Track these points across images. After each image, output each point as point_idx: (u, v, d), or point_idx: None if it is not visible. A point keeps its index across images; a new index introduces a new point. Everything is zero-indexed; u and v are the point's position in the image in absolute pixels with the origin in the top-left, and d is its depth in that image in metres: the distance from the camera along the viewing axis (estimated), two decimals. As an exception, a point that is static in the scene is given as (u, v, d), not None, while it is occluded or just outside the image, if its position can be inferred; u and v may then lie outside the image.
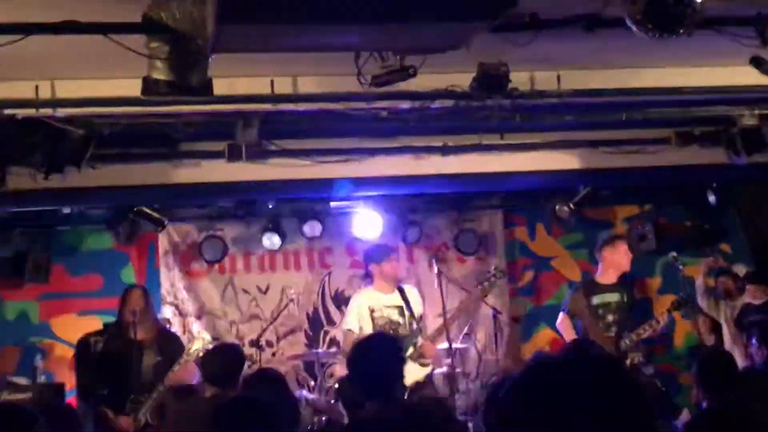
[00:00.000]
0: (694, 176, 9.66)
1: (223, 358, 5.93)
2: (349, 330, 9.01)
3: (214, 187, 8.78)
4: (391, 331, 8.89)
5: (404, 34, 5.45)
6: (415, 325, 8.92)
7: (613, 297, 9.27)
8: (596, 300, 9.28)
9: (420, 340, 8.84)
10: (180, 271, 10.56)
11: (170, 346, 8.23)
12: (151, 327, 8.26)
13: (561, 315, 9.52)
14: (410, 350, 8.92)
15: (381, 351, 4.92)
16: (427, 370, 8.92)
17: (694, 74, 7.52)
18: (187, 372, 7.84)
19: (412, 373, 8.53)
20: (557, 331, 9.93)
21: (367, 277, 9.32)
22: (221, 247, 10.46)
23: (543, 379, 2.07)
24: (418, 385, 8.59)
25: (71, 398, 9.07)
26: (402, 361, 5.19)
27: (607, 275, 9.37)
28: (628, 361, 8.68)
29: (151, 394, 7.76)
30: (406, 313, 8.97)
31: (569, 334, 9.37)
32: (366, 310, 9.03)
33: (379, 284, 9.05)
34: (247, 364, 9.70)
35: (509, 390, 2.09)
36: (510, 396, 2.08)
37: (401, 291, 9.01)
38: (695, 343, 10.74)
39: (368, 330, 8.92)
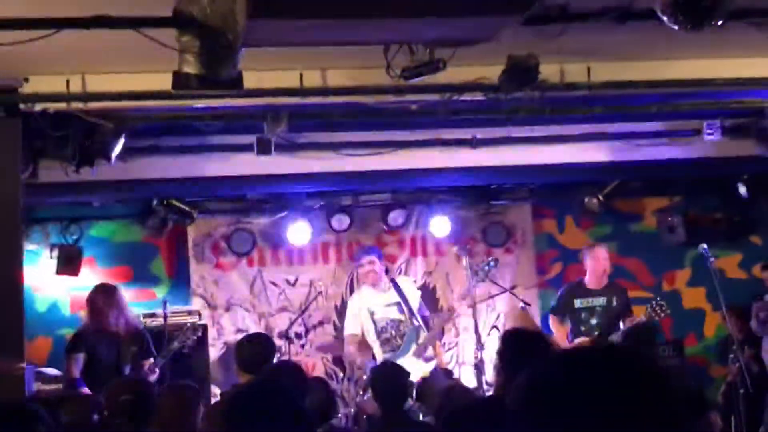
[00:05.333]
0: (725, 168, 9.59)
1: (255, 346, 5.96)
2: (352, 334, 9.07)
3: (243, 180, 8.82)
4: (393, 331, 8.95)
5: (434, 27, 5.45)
6: (415, 321, 8.95)
7: (598, 301, 9.44)
8: (579, 303, 9.50)
9: (422, 335, 8.87)
10: (209, 263, 10.60)
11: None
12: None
13: (550, 316, 9.84)
14: (413, 346, 8.96)
15: None
16: (431, 365, 8.96)
17: (724, 66, 7.48)
18: None
19: (416, 369, 8.49)
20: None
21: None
22: (250, 239, 10.49)
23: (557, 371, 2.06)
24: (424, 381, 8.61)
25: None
26: None
27: (592, 280, 9.56)
28: None
29: None
30: (405, 308, 9.01)
31: (559, 333, 9.58)
32: (366, 312, 9.09)
33: (372, 285, 9.21)
34: (276, 356, 9.80)
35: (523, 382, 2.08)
36: (524, 387, 2.07)
37: (396, 286, 9.05)
38: (726, 335, 10.66)
39: (371, 332, 8.98)
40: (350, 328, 9.25)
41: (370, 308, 9.13)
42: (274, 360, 5.87)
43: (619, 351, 2.15)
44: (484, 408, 3.56)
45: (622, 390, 2.00)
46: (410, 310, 9.02)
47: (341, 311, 10.68)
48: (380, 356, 9.14)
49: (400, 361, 8.35)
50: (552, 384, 2.04)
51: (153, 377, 8.14)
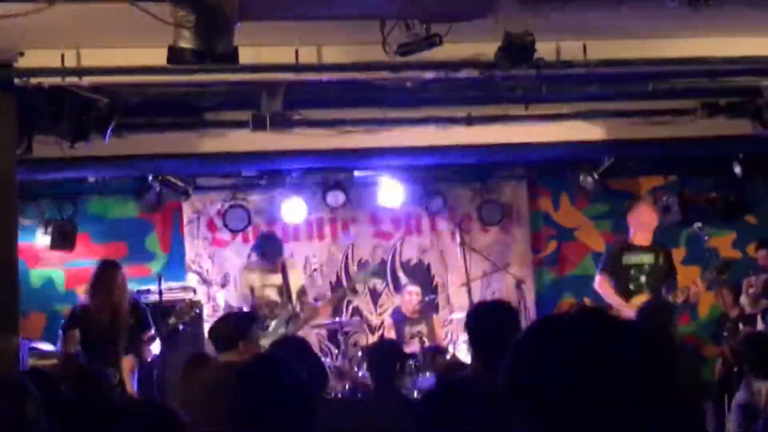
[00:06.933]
0: (720, 147, 9.59)
1: (229, 324, 5.94)
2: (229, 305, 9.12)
3: (238, 156, 8.80)
4: (267, 311, 8.99)
5: (431, 1, 5.43)
6: (290, 306, 8.96)
7: (647, 258, 8.94)
8: (629, 259, 8.97)
9: (291, 324, 8.87)
10: (204, 239, 10.61)
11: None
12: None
13: (597, 276, 9.19)
14: (281, 330, 8.93)
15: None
16: None
17: (721, 45, 7.46)
18: None
19: None
20: (580, 300, 9.93)
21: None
22: (245, 216, 10.49)
23: (545, 336, 2.06)
24: None
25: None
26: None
27: (638, 238, 9.04)
28: None
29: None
30: (285, 293, 9.05)
31: (609, 291, 8.96)
32: (247, 289, 9.10)
33: (264, 262, 9.27)
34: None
35: (514, 347, 2.08)
36: (514, 353, 2.07)
37: (283, 267, 9.05)
38: (720, 314, 10.69)
39: (245, 307, 9.06)
40: (232, 300, 9.30)
41: (252, 284, 9.18)
42: (254, 336, 5.83)
43: (608, 318, 2.14)
44: (468, 385, 3.57)
45: (617, 358, 1.99)
46: (289, 296, 9.05)
47: (336, 288, 10.71)
48: None
49: (263, 341, 8.05)
50: (541, 354, 2.04)
51: (152, 348, 8.13)
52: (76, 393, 5.59)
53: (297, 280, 9.37)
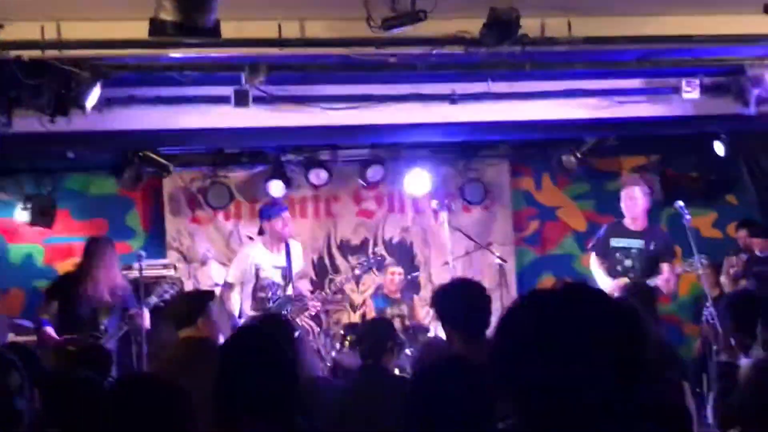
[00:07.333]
0: (703, 126, 9.59)
1: (187, 301, 5.94)
2: (230, 283, 8.91)
3: (220, 132, 8.73)
4: (270, 293, 8.84)
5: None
6: (289, 290, 8.82)
7: (635, 243, 9.04)
8: (616, 242, 9.10)
9: (291, 307, 8.79)
10: (185, 217, 10.55)
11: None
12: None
13: (591, 254, 9.37)
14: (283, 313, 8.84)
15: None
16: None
17: (705, 23, 7.43)
18: None
19: None
20: (561, 280, 9.94)
21: (262, 233, 9.23)
22: (227, 193, 10.44)
23: (529, 311, 2.06)
24: None
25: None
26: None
27: (630, 221, 9.14)
28: None
29: None
30: (287, 275, 8.89)
31: (596, 273, 9.17)
32: (253, 268, 8.95)
33: (269, 241, 8.97)
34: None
35: (499, 321, 2.09)
36: (500, 326, 2.08)
37: (287, 250, 8.94)
38: (699, 293, 10.73)
39: (249, 286, 8.83)
40: (231, 276, 9.06)
41: (258, 264, 8.93)
42: (212, 313, 5.81)
43: (592, 294, 2.13)
44: (453, 363, 3.57)
45: (593, 332, 1.99)
46: (291, 278, 8.92)
47: (318, 266, 10.68)
48: (247, 312, 8.86)
49: None
50: (523, 328, 2.04)
51: (142, 322, 8.09)
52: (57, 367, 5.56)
53: (298, 263, 9.25)
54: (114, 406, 2.81)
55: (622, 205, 9.17)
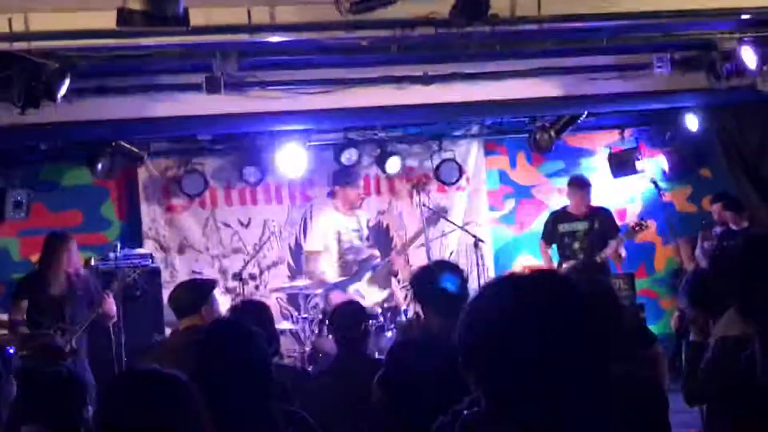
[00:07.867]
0: (675, 101, 9.64)
1: (190, 290, 5.91)
2: (316, 251, 9.36)
3: (193, 120, 8.71)
4: (353, 255, 9.44)
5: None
6: (371, 251, 9.29)
7: (581, 226, 9.73)
8: (563, 227, 9.82)
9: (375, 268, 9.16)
10: (161, 205, 10.52)
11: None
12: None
13: (540, 242, 10.14)
14: (368, 275, 9.45)
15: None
16: (386, 293, 9.46)
17: (675, -2, 7.46)
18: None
19: (371, 295, 9.28)
20: (537, 258, 10.12)
21: (330, 195, 9.62)
22: (201, 181, 10.39)
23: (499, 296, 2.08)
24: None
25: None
26: None
27: (574, 208, 9.88)
28: None
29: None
30: (364, 237, 9.51)
31: (546, 260, 9.98)
32: (333, 232, 9.30)
33: (340, 206, 9.55)
34: (230, 297, 9.78)
35: (469, 304, 2.11)
36: (470, 309, 2.09)
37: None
38: (676, 267, 10.80)
39: (334, 251, 9.24)
40: (314, 244, 9.42)
41: (337, 229, 9.43)
42: (214, 301, 5.82)
43: (559, 277, 2.16)
44: (425, 343, 3.60)
45: (566, 314, 2.01)
46: (368, 239, 9.41)
47: (295, 251, 10.67)
48: (335, 278, 9.37)
49: (354, 287, 9.11)
50: (493, 312, 2.05)
51: (110, 308, 8.08)
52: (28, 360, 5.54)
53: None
54: (119, 399, 2.79)
55: (570, 198, 9.94)
